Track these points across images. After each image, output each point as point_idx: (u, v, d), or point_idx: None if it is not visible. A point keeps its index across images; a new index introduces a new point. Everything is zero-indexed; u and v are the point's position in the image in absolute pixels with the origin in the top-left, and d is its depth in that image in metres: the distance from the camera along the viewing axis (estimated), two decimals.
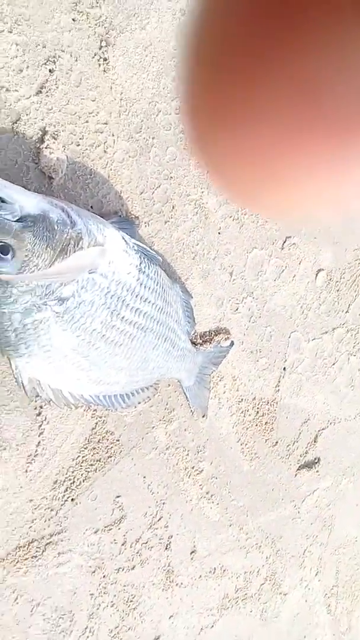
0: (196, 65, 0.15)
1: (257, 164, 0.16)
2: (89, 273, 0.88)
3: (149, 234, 1.09)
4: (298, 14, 0.13)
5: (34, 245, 0.82)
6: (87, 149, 0.96)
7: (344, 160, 0.14)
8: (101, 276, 0.90)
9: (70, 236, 0.84)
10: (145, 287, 0.97)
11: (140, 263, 0.95)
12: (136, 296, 0.95)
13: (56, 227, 0.83)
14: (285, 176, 0.16)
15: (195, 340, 1.22)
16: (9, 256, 0.80)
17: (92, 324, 0.91)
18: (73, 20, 0.90)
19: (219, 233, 1.18)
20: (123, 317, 0.94)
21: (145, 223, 1.09)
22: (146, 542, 1.24)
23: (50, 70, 0.89)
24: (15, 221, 0.80)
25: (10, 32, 0.84)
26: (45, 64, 0.88)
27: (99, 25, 0.93)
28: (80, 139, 0.95)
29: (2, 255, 0.80)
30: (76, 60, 0.91)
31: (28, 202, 0.82)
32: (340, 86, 0.13)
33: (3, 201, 0.79)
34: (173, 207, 1.12)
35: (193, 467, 1.29)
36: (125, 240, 0.94)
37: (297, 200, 0.17)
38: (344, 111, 0.13)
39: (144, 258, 0.97)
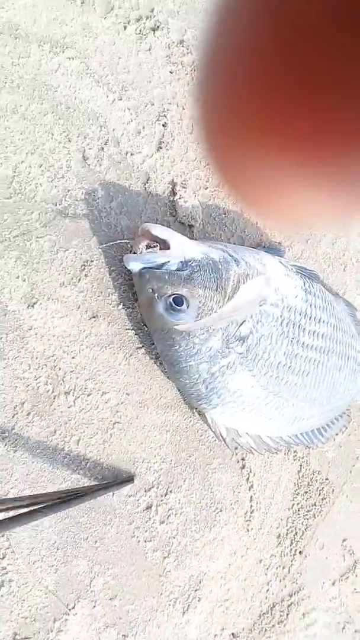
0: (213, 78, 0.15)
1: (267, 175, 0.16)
2: (260, 306, 0.84)
3: (295, 256, 1.05)
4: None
5: (205, 290, 0.79)
6: (215, 190, 0.95)
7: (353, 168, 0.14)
8: (272, 306, 0.85)
9: (237, 273, 0.82)
10: (315, 307, 0.91)
11: (304, 283, 0.91)
12: (310, 318, 0.90)
13: (221, 267, 0.81)
14: (291, 186, 0.15)
15: None
16: (184, 306, 0.78)
17: (277, 357, 0.86)
18: (170, 72, 0.91)
19: None
20: (303, 343, 0.89)
21: (288, 247, 1.05)
22: None
23: (163, 125, 0.90)
24: (180, 270, 0.79)
25: (120, 99, 0.86)
26: (157, 120, 0.90)
27: (195, 70, 0.93)
28: (206, 181, 0.94)
29: (178, 307, 0.78)
30: (183, 109, 0.92)
31: (189, 245, 0.80)
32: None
33: (162, 248, 0.78)
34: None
35: None
36: (283, 264, 0.90)
37: (300, 211, 0.17)
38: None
39: (305, 278, 0.92)
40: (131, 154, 0.87)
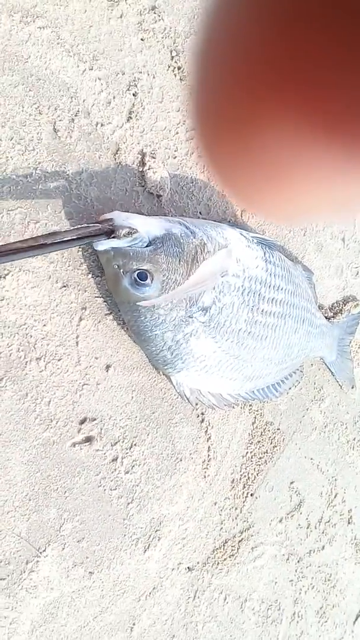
0: (207, 70, 0.15)
1: (262, 168, 0.16)
2: (222, 277, 0.90)
3: (258, 224, 1.09)
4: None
5: (168, 264, 0.84)
6: (183, 159, 0.97)
7: (348, 162, 0.14)
8: (234, 276, 0.91)
9: (195, 245, 0.86)
10: (274, 275, 0.97)
11: (265, 253, 0.96)
12: (269, 286, 0.96)
13: (182, 241, 0.85)
14: (289, 179, 0.16)
15: (326, 315, 1.21)
16: (148, 280, 0.83)
17: (238, 324, 0.92)
18: (142, 39, 0.92)
19: None
20: (263, 310, 0.95)
21: (251, 214, 1.09)
22: (329, 521, 1.24)
23: (134, 94, 0.91)
24: (145, 247, 0.83)
25: (92, 69, 0.87)
26: (128, 89, 0.91)
27: (166, 37, 0.94)
28: (175, 150, 0.96)
29: (142, 282, 0.83)
30: (154, 77, 0.93)
31: (151, 226, 0.84)
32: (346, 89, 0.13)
33: (130, 232, 0.82)
34: None
35: (354, 439, 1.28)
36: (244, 236, 0.95)
37: (301, 203, 0.17)
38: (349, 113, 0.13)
39: (265, 248, 0.97)
40: (101, 125, 0.89)
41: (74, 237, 0.79)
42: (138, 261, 0.82)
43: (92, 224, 0.80)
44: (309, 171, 0.15)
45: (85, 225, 0.80)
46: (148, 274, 0.83)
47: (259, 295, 0.94)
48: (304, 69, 0.13)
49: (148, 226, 0.84)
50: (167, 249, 0.84)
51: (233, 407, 1.04)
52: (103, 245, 0.82)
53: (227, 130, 0.16)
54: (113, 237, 0.81)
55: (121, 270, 0.82)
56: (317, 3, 0.12)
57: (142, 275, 0.83)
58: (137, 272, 0.83)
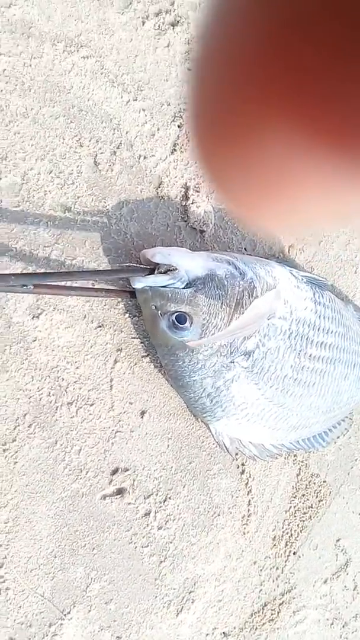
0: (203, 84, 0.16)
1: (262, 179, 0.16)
2: (268, 319, 0.83)
3: (307, 260, 1.03)
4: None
5: (209, 307, 0.78)
6: None
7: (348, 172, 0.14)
8: (280, 319, 0.84)
9: (242, 288, 0.81)
10: (324, 317, 0.90)
11: (314, 294, 0.89)
12: (318, 329, 0.89)
13: (226, 283, 0.80)
14: (289, 189, 0.15)
15: None
16: (187, 324, 0.77)
17: (283, 370, 0.85)
18: (189, 69, 0.87)
19: None
20: (310, 355, 0.88)
21: (299, 250, 1.03)
22: None
23: (179, 126, 0.87)
24: (185, 287, 0.78)
25: (136, 99, 0.83)
26: (173, 120, 0.86)
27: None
28: None
29: (180, 325, 0.77)
30: None
31: (193, 264, 0.79)
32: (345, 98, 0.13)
33: (170, 270, 0.77)
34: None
35: None
36: (293, 275, 0.88)
37: (300, 212, 0.17)
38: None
39: (315, 287, 0.91)
40: (144, 157, 0.84)
41: (109, 273, 0.75)
42: (177, 303, 0.77)
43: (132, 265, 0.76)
44: (309, 180, 0.15)
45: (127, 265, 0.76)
46: (187, 317, 0.77)
47: (307, 339, 0.88)
48: (302, 79, 0.13)
49: (190, 265, 0.79)
50: (208, 291, 0.78)
51: (276, 458, 0.97)
52: (140, 283, 0.77)
53: (224, 138, 0.16)
54: (150, 275, 0.76)
55: (159, 312, 0.77)
56: (315, 13, 0.12)
57: (181, 318, 0.77)
58: (175, 315, 0.77)
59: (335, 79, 0.12)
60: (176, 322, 0.77)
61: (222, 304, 0.79)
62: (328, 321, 0.91)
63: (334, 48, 0.12)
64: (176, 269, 0.77)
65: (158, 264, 0.77)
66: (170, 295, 0.77)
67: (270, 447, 0.93)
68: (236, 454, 0.93)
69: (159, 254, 0.77)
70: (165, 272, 0.77)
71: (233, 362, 0.82)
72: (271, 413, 0.88)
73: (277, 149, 0.14)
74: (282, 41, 0.13)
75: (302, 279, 0.90)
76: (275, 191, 0.16)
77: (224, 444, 0.88)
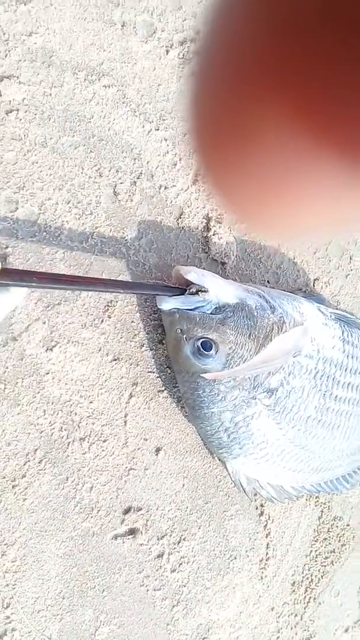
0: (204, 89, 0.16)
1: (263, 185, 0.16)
2: (294, 357, 0.80)
3: (333, 293, 0.99)
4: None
5: (237, 336, 0.75)
6: None
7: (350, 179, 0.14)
8: (307, 357, 0.81)
9: (272, 321, 0.77)
10: (352, 357, 0.86)
11: (343, 332, 0.86)
12: (345, 370, 0.85)
13: (256, 314, 0.77)
14: (290, 197, 0.15)
15: None
16: (212, 351, 0.74)
17: (306, 411, 0.82)
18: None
19: None
20: (336, 397, 0.84)
21: (325, 283, 0.99)
22: None
23: None
24: (213, 313, 0.75)
25: (157, 129, 0.81)
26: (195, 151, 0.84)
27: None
28: None
29: (205, 352, 0.74)
30: None
31: (225, 289, 0.76)
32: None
33: (201, 291, 0.74)
34: (350, 258, 1.02)
35: None
36: (322, 312, 0.85)
37: (301, 218, 0.16)
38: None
39: (344, 325, 0.87)
40: (165, 188, 0.83)
41: (139, 287, 0.74)
42: (204, 328, 0.74)
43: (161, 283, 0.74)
44: (310, 185, 0.14)
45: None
46: (213, 344, 0.74)
47: (333, 379, 0.84)
48: (302, 83, 0.13)
49: (222, 289, 0.76)
50: (237, 320, 0.75)
51: (296, 501, 0.92)
52: (168, 304, 0.74)
53: (224, 142, 0.15)
54: (180, 295, 0.74)
55: (184, 336, 0.74)
56: (313, 17, 0.12)
57: (206, 345, 0.74)
58: (201, 341, 0.74)
59: (340, 84, 0.12)
60: (201, 349, 0.74)
61: (250, 335, 0.76)
62: (356, 361, 0.87)
63: (338, 52, 0.12)
64: (207, 290, 0.74)
65: (189, 284, 0.75)
66: (197, 319, 0.74)
67: (289, 489, 0.89)
68: (254, 495, 0.89)
69: (194, 272, 0.74)
70: (196, 293, 0.74)
71: (255, 399, 0.79)
72: (292, 454, 0.84)
73: (278, 154, 0.14)
74: (284, 48, 0.12)
75: (331, 316, 0.86)
76: (275, 195, 0.16)
77: (241, 484, 0.85)
